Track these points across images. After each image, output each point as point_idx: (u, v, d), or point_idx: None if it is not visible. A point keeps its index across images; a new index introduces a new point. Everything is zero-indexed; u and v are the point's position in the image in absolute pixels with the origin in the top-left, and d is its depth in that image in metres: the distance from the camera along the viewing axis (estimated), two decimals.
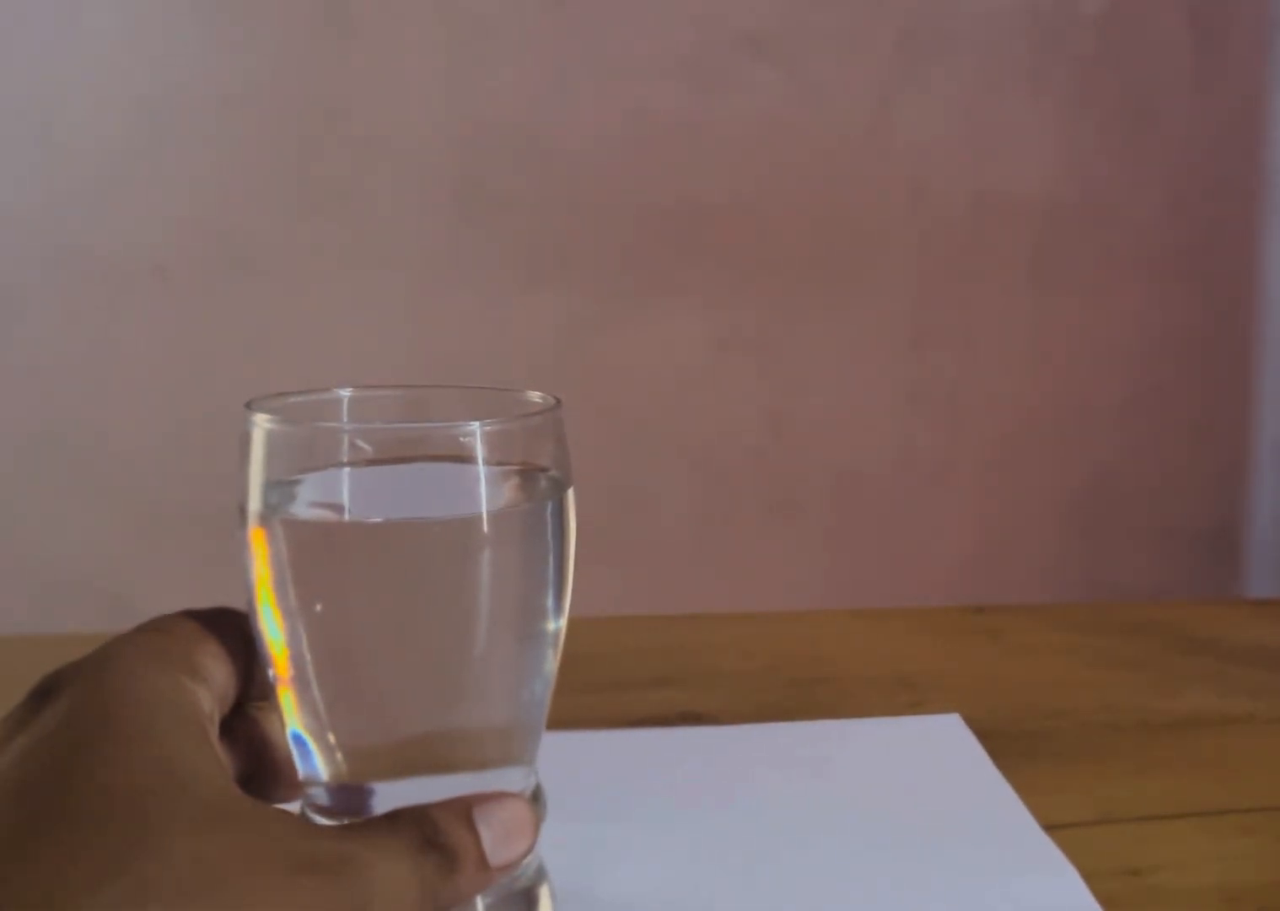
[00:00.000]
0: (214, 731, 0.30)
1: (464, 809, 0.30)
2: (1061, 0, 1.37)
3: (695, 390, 1.36)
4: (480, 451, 0.32)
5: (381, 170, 1.28)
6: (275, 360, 1.26)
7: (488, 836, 0.30)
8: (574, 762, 0.47)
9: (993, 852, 0.42)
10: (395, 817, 0.29)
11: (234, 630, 0.33)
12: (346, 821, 0.33)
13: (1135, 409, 1.46)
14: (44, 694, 0.29)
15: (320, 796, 0.34)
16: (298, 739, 0.33)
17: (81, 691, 0.28)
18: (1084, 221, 1.41)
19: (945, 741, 0.50)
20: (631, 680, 0.58)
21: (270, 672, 0.33)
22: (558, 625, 0.35)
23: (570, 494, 0.35)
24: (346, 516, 0.33)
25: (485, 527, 0.32)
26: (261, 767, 0.34)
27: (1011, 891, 0.39)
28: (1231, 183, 1.45)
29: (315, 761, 0.33)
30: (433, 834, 0.29)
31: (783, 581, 1.38)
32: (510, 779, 0.34)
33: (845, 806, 0.45)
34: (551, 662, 0.35)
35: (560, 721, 0.51)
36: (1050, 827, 0.44)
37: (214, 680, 0.31)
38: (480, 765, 0.34)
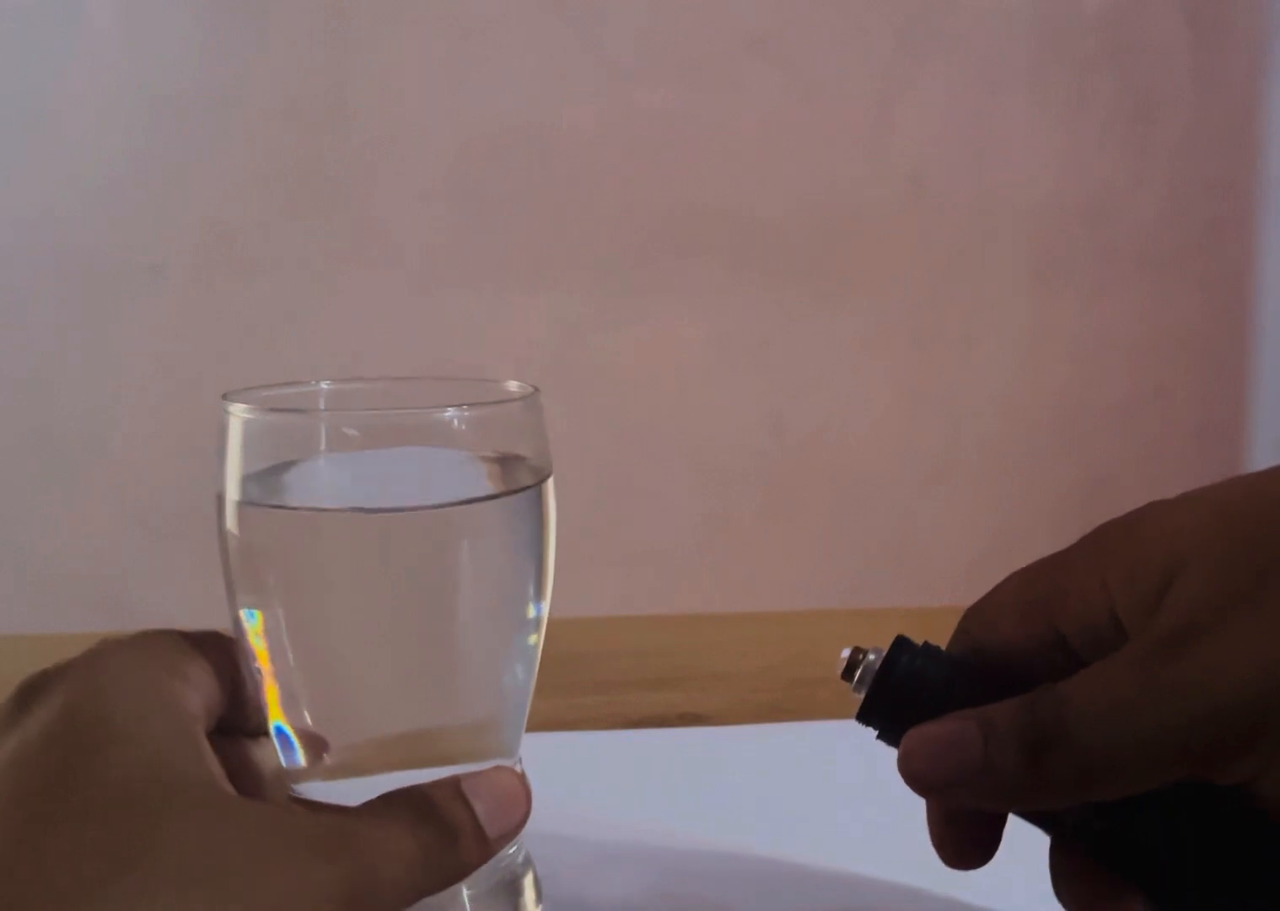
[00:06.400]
0: (202, 731, 0.30)
1: (454, 784, 0.30)
2: (1061, 0, 1.37)
3: (695, 390, 1.36)
4: (458, 438, 0.32)
5: (381, 170, 1.28)
6: (273, 360, 1.26)
7: (481, 808, 0.30)
8: (573, 763, 0.47)
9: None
10: (389, 798, 0.30)
11: (221, 651, 0.33)
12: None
13: (1135, 409, 1.46)
14: (30, 692, 0.29)
15: (303, 790, 0.34)
16: (280, 731, 0.33)
17: (72, 690, 0.29)
18: (1084, 221, 1.41)
19: None
20: (631, 680, 0.58)
21: (252, 665, 0.33)
22: (538, 614, 0.35)
23: (550, 482, 0.35)
24: (325, 505, 0.33)
25: (464, 516, 0.32)
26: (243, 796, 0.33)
27: (1011, 891, 0.39)
28: (1231, 183, 1.45)
29: (297, 754, 0.33)
30: (427, 809, 0.29)
31: (783, 581, 1.38)
32: None
33: (845, 807, 0.45)
34: (533, 653, 0.35)
35: (560, 721, 0.51)
36: None
37: (201, 685, 0.31)
38: (463, 756, 0.34)
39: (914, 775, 0.29)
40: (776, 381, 1.38)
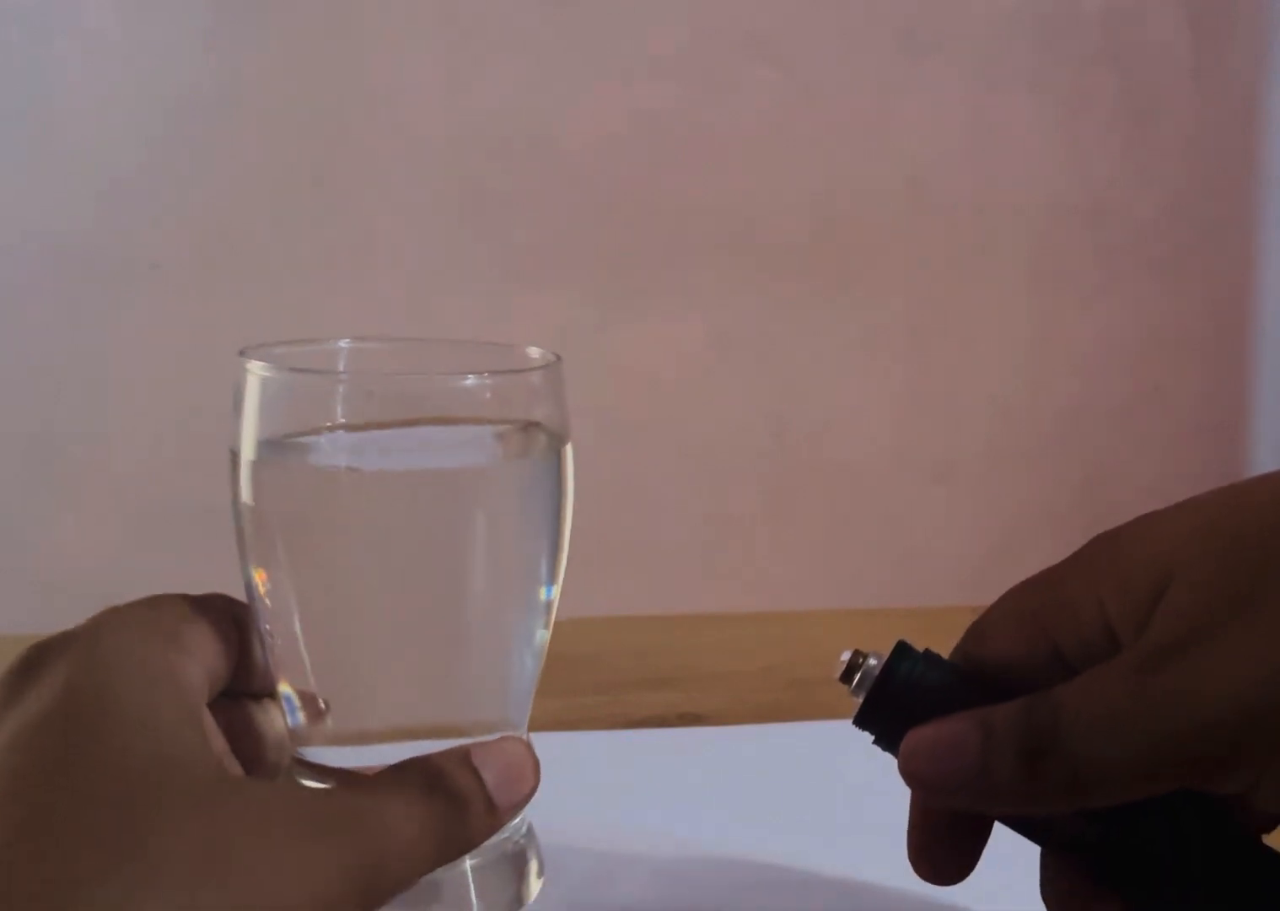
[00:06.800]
0: (204, 708, 0.30)
1: (463, 754, 0.30)
2: (1061, 0, 1.37)
3: (695, 390, 1.36)
4: (479, 404, 0.32)
5: (382, 170, 1.28)
6: None
7: (490, 778, 0.30)
8: (574, 762, 0.47)
9: (992, 852, 0.42)
10: (398, 769, 0.29)
11: (226, 614, 0.32)
12: (333, 784, 0.33)
13: (1135, 409, 1.46)
14: (31, 667, 0.29)
15: (308, 754, 0.33)
16: (288, 697, 0.33)
17: (72, 668, 0.28)
18: (1084, 221, 1.41)
19: None
20: (631, 680, 0.58)
21: (263, 627, 0.33)
22: (552, 583, 0.34)
23: (569, 450, 0.35)
24: (341, 465, 0.33)
25: (481, 481, 0.32)
26: (244, 761, 0.33)
27: (1013, 893, 0.39)
28: (1231, 183, 1.45)
29: (304, 717, 0.33)
30: (437, 779, 0.29)
31: (783, 581, 1.38)
32: None
33: (846, 807, 0.45)
34: (546, 622, 0.35)
35: (560, 721, 0.51)
36: None
37: (204, 656, 0.31)
38: (470, 726, 0.33)
39: (916, 775, 0.29)
40: (776, 381, 1.38)
